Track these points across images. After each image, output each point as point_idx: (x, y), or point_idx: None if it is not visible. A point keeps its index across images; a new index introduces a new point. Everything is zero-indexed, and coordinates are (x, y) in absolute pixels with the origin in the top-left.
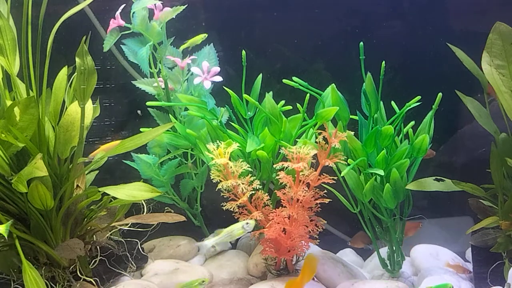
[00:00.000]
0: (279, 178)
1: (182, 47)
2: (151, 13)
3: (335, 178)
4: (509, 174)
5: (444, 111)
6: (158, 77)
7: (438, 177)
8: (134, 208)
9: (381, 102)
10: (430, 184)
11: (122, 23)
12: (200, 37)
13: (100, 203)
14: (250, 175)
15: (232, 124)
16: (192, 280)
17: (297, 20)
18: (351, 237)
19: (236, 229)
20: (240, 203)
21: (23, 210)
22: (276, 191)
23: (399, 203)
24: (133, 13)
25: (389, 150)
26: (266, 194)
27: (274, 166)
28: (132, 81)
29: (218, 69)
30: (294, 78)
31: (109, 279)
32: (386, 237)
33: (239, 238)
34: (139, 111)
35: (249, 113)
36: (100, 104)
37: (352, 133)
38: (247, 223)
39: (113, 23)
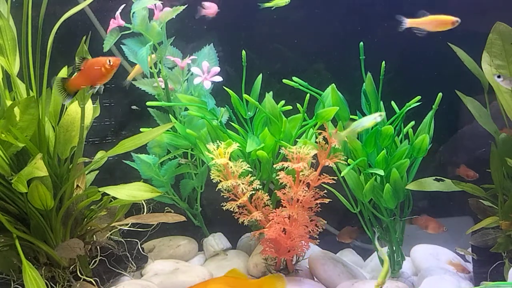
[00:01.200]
0: (279, 178)
1: (267, 4)
2: (151, 13)
3: (335, 178)
4: (509, 174)
5: (444, 111)
6: (158, 77)
7: (438, 177)
8: (134, 208)
9: (381, 102)
10: (430, 184)
11: (122, 23)
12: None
13: (100, 203)
14: (250, 175)
15: (232, 124)
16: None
17: (297, 20)
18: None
19: (368, 120)
20: (240, 203)
21: (23, 210)
22: (276, 191)
23: (399, 203)
24: (133, 13)
25: (389, 150)
26: (266, 194)
27: (274, 166)
28: (132, 81)
29: (218, 69)
30: (294, 78)
31: (109, 279)
32: (386, 237)
33: (240, 238)
34: (133, 107)
35: (249, 113)
36: (100, 104)
37: None
38: (380, 115)
39: (113, 23)
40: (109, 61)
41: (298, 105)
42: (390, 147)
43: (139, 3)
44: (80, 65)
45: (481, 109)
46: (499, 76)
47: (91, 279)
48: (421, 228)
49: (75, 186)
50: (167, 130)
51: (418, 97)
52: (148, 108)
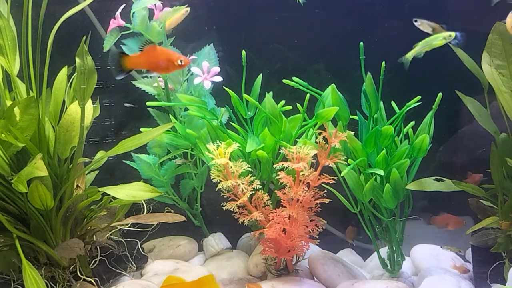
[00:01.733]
0: (279, 178)
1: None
2: (151, 13)
3: (335, 178)
4: (509, 174)
5: (444, 111)
6: (158, 77)
7: (438, 177)
8: (134, 208)
9: (381, 102)
10: (430, 184)
11: (122, 23)
12: None
13: (100, 203)
14: (250, 175)
15: (232, 124)
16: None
17: (297, 20)
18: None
19: (436, 39)
20: (240, 203)
21: (23, 210)
22: (276, 191)
23: (399, 203)
24: (133, 13)
25: (389, 150)
26: (266, 194)
27: (274, 166)
28: (132, 81)
29: (218, 69)
30: (294, 78)
31: (109, 279)
32: (386, 237)
33: (240, 238)
34: (127, 104)
35: (249, 113)
36: (100, 104)
37: (352, 133)
38: (449, 35)
39: (113, 23)
40: (181, 61)
41: (298, 105)
42: (390, 147)
43: (139, 3)
44: (144, 47)
45: (481, 109)
46: (415, 21)
47: (91, 279)
48: (441, 227)
49: (75, 186)
50: (167, 130)
51: (418, 97)
52: (148, 108)
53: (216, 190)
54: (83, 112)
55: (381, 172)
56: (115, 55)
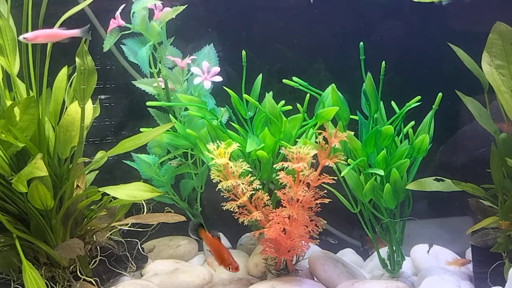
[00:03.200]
0: (279, 178)
1: None
2: (151, 13)
3: (335, 178)
4: (509, 174)
5: (444, 111)
6: (158, 77)
7: (438, 177)
8: (134, 208)
9: (381, 102)
10: (430, 184)
11: (122, 23)
12: None
13: (100, 203)
14: (250, 175)
15: (232, 124)
16: None
17: (297, 20)
18: (351, 237)
19: None
20: (240, 203)
21: (23, 210)
22: (276, 191)
23: (399, 203)
24: (133, 13)
25: (389, 150)
26: (266, 194)
27: (274, 166)
28: (132, 81)
29: (218, 69)
30: (294, 78)
31: (109, 279)
32: (386, 237)
33: (240, 238)
34: (102, 96)
35: (249, 113)
36: (100, 104)
37: (352, 133)
38: None
39: (113, 23)
40: (229, 268)
41: (298, 105)
42: (390, 147)
43: (139, 3)
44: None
45: (481, 109)
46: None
47: (91, 279)
48: None
49: (75, 186)
50: (167, 130)
51: (418, 97)
52: (148, 108)
53: (216, 190)
54: (83, 112)
55: (381, 172)
56: (195, 225)
